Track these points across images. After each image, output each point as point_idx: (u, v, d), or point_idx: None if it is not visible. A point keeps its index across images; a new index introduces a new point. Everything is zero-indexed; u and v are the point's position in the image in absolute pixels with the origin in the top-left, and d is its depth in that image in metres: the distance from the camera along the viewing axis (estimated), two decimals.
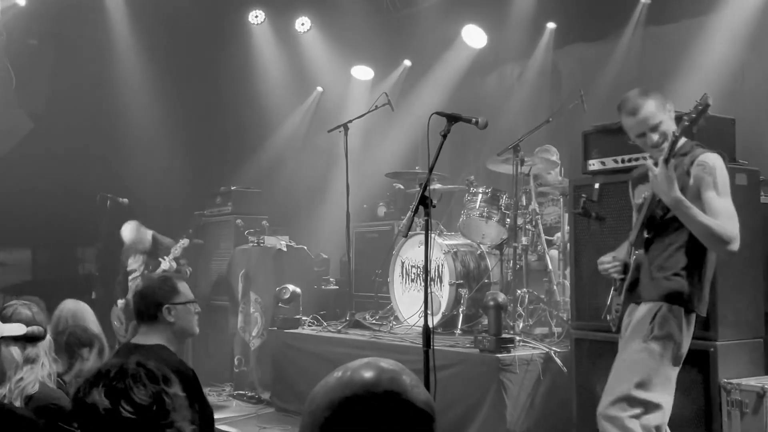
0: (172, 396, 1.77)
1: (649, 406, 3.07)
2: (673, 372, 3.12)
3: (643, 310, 3.17)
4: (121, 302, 6.75)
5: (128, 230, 6.89)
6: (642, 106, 3.17)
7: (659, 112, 3.16)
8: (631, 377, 3.10)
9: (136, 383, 1.73)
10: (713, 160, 3.13)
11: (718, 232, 3.00)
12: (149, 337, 3.09)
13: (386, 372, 1.27)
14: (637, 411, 3.07)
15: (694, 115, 3.02)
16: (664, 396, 3.10)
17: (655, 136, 3.15)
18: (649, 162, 3.16)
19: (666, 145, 3.06)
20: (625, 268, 3.27)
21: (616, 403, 3.10)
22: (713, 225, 3.00)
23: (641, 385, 3.07)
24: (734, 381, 3.56)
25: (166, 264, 6.66)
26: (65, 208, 7.44)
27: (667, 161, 3.01)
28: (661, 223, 3.17)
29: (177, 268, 6.74)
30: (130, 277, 6.94)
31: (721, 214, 3.03)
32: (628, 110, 3.21)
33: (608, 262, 3.35)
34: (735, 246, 3.04)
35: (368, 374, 1.26)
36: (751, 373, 3.71)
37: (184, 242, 6.82)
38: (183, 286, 3.18)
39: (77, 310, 3.50)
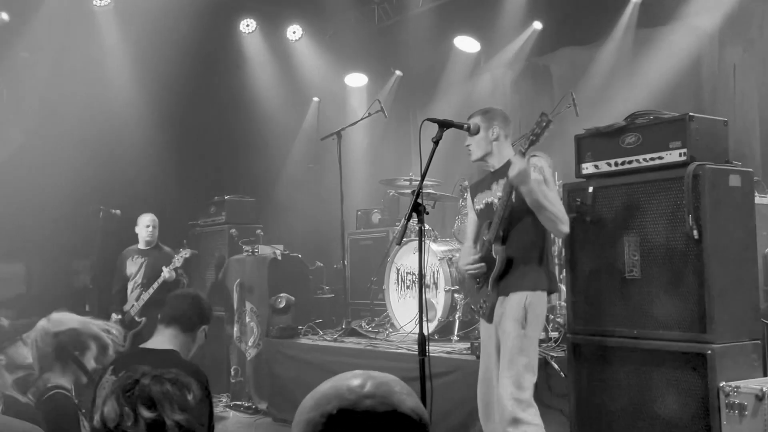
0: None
1: (532, 382, 3.70)
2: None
3: (514, 300, 3.75)
4: (116, 316, 6.51)
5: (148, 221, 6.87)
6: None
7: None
8: (520, 361, 3.66)
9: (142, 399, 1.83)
10: (539, 161, 3.82)
11: (559, 215, 3.73)
12: (166, 341, 3.20)
13: (377, 381, 1.25)
14: (527, 394, 3.64)
15: (537, 131, 3.63)
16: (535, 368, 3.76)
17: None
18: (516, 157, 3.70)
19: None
20: (487, 264, 3.85)
21: (513, 386, 3.62)
22: (557, 209, 3.74)
23: (529, 367, 3.69)
24: (732, 383, 3.53)
25: (166, 273, 6.54)
26: (59, 220, 7.38)
27: (523, 154, 3.64)
28: (517, 219, 3.79)
29: (176, 278, 6.63)
30: (129, 284, 6.74)
31: (556, 202, 3.81)
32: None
33: (472, 265, 3.90)
34: (567, 227, 3.79)
35: (359, 384, 1.24)
36: (749, 375, 3.68)
37: (186, 252, 6.66)
38: None
39: (57, 320, 2.95)
